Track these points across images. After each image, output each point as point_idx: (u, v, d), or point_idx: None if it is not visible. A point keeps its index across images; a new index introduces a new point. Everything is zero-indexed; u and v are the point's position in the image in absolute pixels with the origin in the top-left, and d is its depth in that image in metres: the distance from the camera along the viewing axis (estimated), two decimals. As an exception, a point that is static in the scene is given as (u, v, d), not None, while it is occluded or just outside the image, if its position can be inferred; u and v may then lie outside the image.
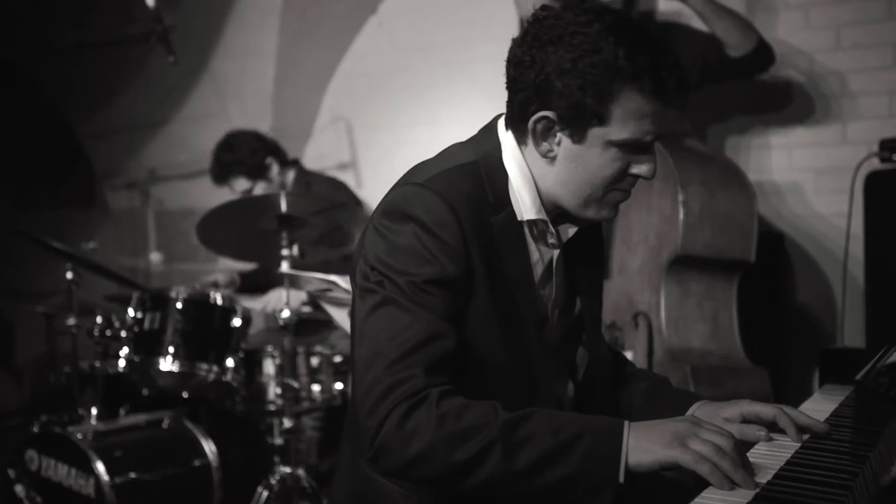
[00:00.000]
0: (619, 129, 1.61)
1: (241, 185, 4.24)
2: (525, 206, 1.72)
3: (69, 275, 3.61)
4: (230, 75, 5.07)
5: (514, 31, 4.41)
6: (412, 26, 5.00)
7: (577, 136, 1.63)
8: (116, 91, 5.35)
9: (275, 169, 4.30)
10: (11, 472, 3.41)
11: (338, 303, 3.40)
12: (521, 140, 1.72)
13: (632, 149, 1.64)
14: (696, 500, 1.31)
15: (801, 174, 3.93)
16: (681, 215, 3.24)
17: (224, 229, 3.60)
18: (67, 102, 5.66)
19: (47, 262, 4.87)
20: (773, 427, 1.65)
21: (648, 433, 1.46)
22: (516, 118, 1.70)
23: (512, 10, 3.78)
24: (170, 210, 5.60)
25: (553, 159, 1.68)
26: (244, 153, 4.24)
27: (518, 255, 1.72)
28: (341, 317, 3.40)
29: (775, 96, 3.95)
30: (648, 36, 1.62)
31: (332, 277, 3.25)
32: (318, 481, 3.51)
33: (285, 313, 3.41)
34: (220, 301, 3.52)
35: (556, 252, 1.79)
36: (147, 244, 5.70)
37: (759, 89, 3.88)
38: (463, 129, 4.88)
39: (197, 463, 3.54)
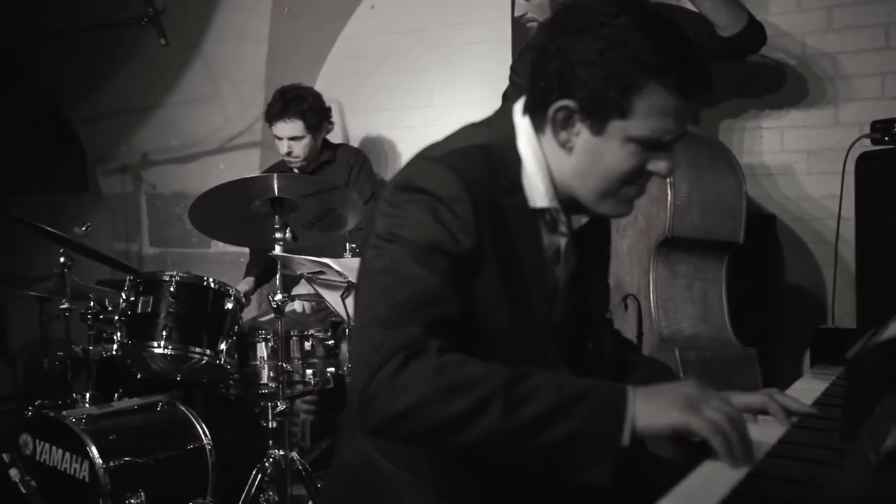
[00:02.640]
0: (640, 125, 1.58)
1: (295, 128, 4.32)
2: (538, 193, 1.70)
3: (62, 259, 3.61)
4: (222, 58, 5.05)
5: (507, 13, 4.42)
6: (404, 9, 4.99)
7: (597, 127, 1.61)
8: (108, 75, 5.32)
9: (324, 134, 4.47)
10: (6, 457, 3.39)
11: (330, 286, 3.41)
12: (538, 127, 1.69)
13: (651, 146, 1.62)
14: (689, 477, 1.32)
15: (792, 156, 3.94)
16: (669, 197, 3.24)
17: (217, 213, 3.59)
18: (59, 87, 5.64)
19: (40, 247, 4.87)
20: (763, 415, 1.67)
21: (657, 396, 1.43)
22: (536, 105, 1.67)
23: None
24: (162, 194, 5.59)
25: (571, 150, 1.66)
26: (313, 103, 4.37)
27: (529, 240, 1.70)
28: (334, 299, 3.40)
29: (767, 78, 3.95)
30: (677, 32, 1.59)
31: (325, 260, 3.26)
32: (311, 464, 3.52)
33: (278, 296, 3.41)
34: (213, 284, 3.52)
35: (565, 240, 1.78)
36: (140, 229, 5.70)
37: (752, 71, 3.89)
38: (456, 111, 4.93)
39: (191, 446, 3.55)
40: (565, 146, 1.66)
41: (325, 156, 4.51)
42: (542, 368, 1.63)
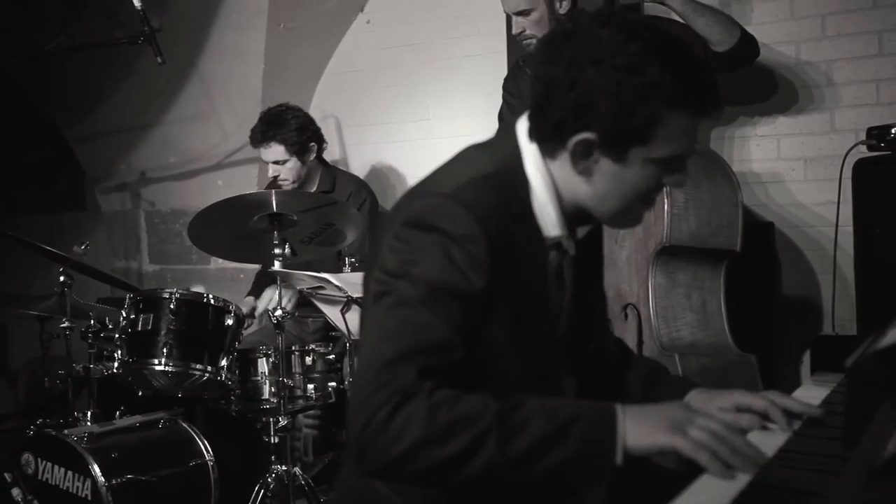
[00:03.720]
0: (661, 148, 1.58)
1: (276, 153, 4.27)
2: (550, 222, 1.69)
3: (62, 278, 3.61)
4: (218, 76, 5.06)
5: (501, 26, 4.44)
6: (399, 23, 5.01)
7: (618, 156, 1.60)
8: (105, 94, 5.33)
9: (312, 156, 4.37)
10: (8, 476, 3.41)
11: (330, 301, 3.41)
12: (549, 154, 1.68)
13: (670, 164, 1.63)
14: (691, 487, 1.32)
15: (789, 163, 3.95)
16: (666, 206, 3.25)
17: (216, 229, 3.60)
18: (56, 106, 5.65)
19: (40, 266, 4.87)
20: (765, 418, 1.67)
21: (645, 417, 1.46)
22: (548, 136, 1.66)
23: (498, 5, 3.79)
24: (161, 211, 5.60)
25: (590, 176, 1.65)
26: (293, 125, 4.28)
27: (539, 269, 1.70)
28: (334, 314, 3.41)
29: (762, 86, 3.96)
30: (690, 55, 1.59)
31: (324, 275, 3.26)
32: (314, 479, 3.52)
33: (278, 312, 3.41)
34: (213, 301, 3.52)
35: (569, 255, 1.78)
36: (139, 246, 5.70)
37: (747, 80, 3.89)
38: (452, 124, 4.93)
39: (193, 463, 3.54)
40: (583, 174, 1.65)
41: (323, 184, 4.42)
42: (549, 391, 1.63)
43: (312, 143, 4.34)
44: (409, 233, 1.59)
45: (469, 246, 1.56)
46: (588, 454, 1.43)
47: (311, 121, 4.38)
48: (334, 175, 4.50)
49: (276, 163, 4.28)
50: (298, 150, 4.29)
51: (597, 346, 1.91)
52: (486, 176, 1.66)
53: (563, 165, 1.67)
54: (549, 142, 1.66)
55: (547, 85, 1.62)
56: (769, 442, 1.53)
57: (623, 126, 1.56)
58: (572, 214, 1.72)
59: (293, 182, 4.32)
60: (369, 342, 1.57)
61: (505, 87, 3.91)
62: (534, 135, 1.69)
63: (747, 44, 3.47)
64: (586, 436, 1.44)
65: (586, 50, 1.57)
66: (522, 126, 1.72)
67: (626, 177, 1.63)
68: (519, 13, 3.58)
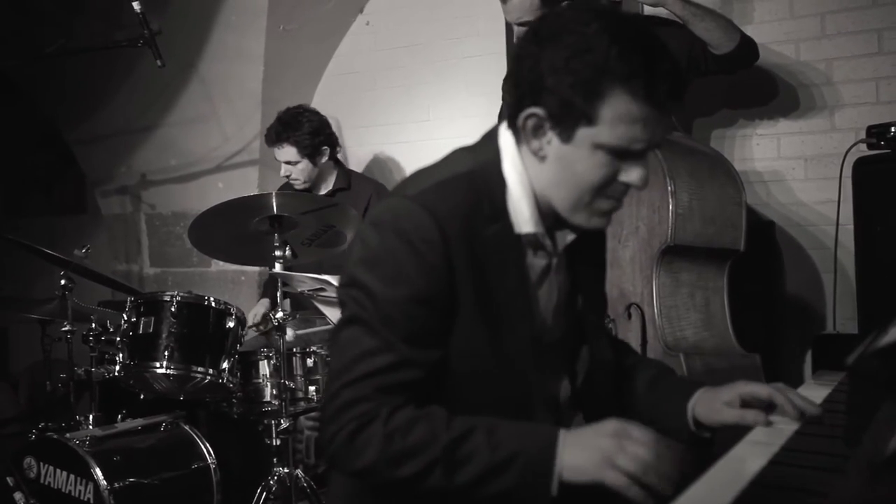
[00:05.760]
0: (607, 132, 1.57)
1: (289, 154, 4.33)
2: (523, 218, 1.69)
3: (63, 281, 3.62)
4: (219, 78, 5.06)
5: (501, 27, 4.44)
6: (399, 24, 5.01)
7: (566, 135, 1.60)
8: (105, 97, 5.33)
9: (324, 158, 4.43)
10: (10, 480, 3.41)
11: (331, 302, 3.41)
12: (518, 139, 1.69)
13: (621, 154, 1.60)
14: (692, 487, 1.32)
15: (789, 162, 3.95)
16: (671, 206, 3.25)
17: (216, 232, 3.60)
18: (56, 109, 5.65)
19: (41, 270, 4.87)
20: (770, 407, 1.69)
21: (581, 450, 1.53)
22: (511, 115, 1.68)
23: (498, 6, 3.79)
24: (162, 214, 5.60)
25: (543, 158, 1.65)
26: (307, 129, 4.35)
27: (513, 267, 1.70)
28: (335, 316, 3.40)
29: (762, 86, 3.96)
30: (647, 38, 1.58)
31: (325, 277, 3.26)
32: (316, 481, 3.52)
33: (279, 314, 3.41)
34: (214, 303, 3.52)
35: (555, 259, 1.78)
36: (140, 249, 5.70)
37: (747, 79, 3.89)
38: (452, 125, 4.93)
39: (195, 466, 3.55)
40: (538, 154, 1.66)
41: (339, 182, 4.49)
42: (528, 396, 1.72)
43: (325, 147, 4.40)
44: (369, 233, 1.64)
45: (426, 249, 1.59)
46: (526, 487, 1.52)
47: (326, 125, 4.45)
48: (349, 176, 4.56)
49: (287, 163, 4.35)
50: (310, 152, 4.35)
51: (591, 350, 1.91)
52: (458, 176, 1.68)
53: (526, 151, 1.68)
54: (513, 120, 1.69)
55: (514, 61, 1.67)
56: (772, 440, 1.54)
57: (567, 101, 1.57)
58: (549, 214, 1.73)
59: (304, 183, 4.40)
60: (334, 356, 1.68)
61: (503, 87, 3.90)
62: (507, 119, 1.72)
63: (747, 47, 3.48)
64: (525, 470, 1.53)
65: (546, 27, 1.62)
66: (504, 125, 1.74)
67: (575, 161, 1.62)
68: (521, 24, 3.60)
